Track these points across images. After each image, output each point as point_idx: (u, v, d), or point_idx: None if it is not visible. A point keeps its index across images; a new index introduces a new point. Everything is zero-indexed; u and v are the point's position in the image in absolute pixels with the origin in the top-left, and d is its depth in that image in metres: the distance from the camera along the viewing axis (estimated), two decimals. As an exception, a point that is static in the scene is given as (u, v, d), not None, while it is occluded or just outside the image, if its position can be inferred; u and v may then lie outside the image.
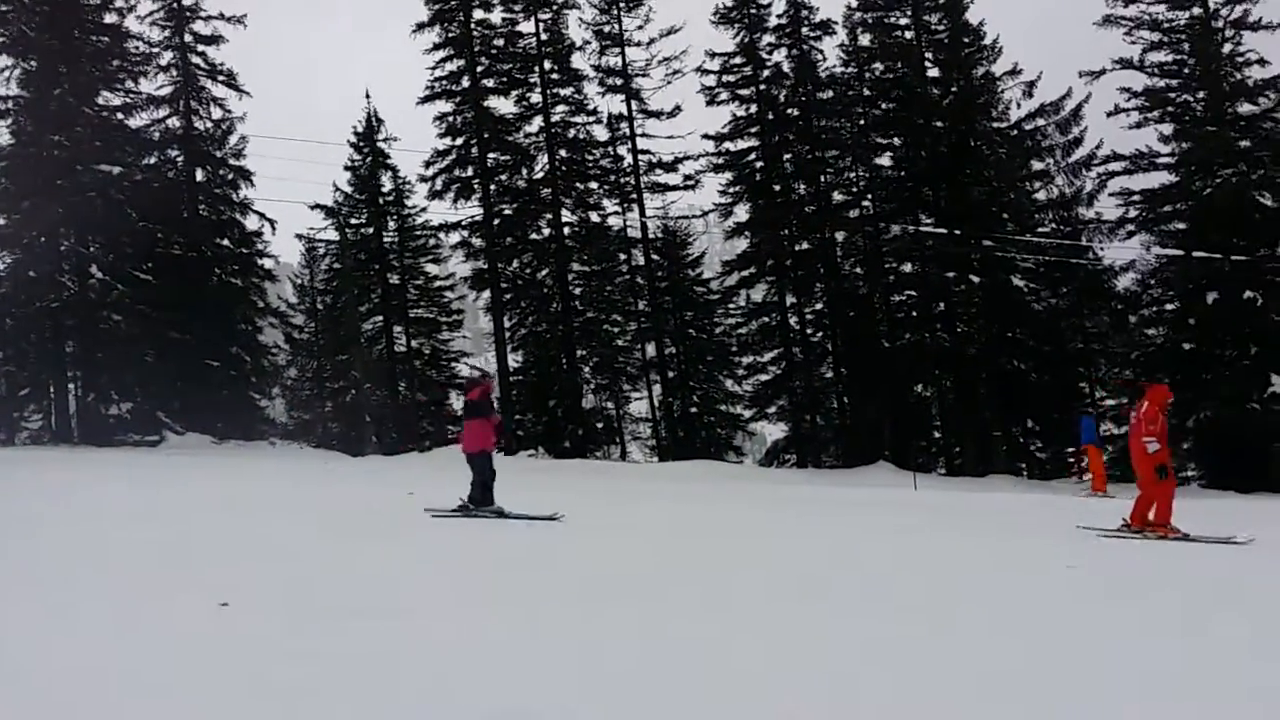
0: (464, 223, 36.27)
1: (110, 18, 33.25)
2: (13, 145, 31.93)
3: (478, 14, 36.30)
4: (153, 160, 34.00)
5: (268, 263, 35.45)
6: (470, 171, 36.27)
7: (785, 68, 37.45)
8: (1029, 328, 34.96)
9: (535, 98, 36.55)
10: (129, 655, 5.29)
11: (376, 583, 7.86)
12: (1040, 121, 35.58)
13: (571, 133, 36.82)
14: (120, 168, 32.45)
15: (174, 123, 34.33)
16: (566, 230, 36.49)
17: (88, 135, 31.82)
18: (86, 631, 5.84)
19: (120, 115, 33.34)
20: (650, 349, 36.69)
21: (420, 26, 36.21)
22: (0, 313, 31.06)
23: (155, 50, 34.10)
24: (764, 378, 37.09)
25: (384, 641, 5.69)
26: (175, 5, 34.43)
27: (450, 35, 36.26)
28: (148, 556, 8.79)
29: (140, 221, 32.24)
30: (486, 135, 36.05)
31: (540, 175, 36.52)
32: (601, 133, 37.10)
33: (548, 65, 36.65)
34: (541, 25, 36.52)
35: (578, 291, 36.48)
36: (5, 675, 4.89)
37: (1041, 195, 36.23)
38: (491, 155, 36.23)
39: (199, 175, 34.59)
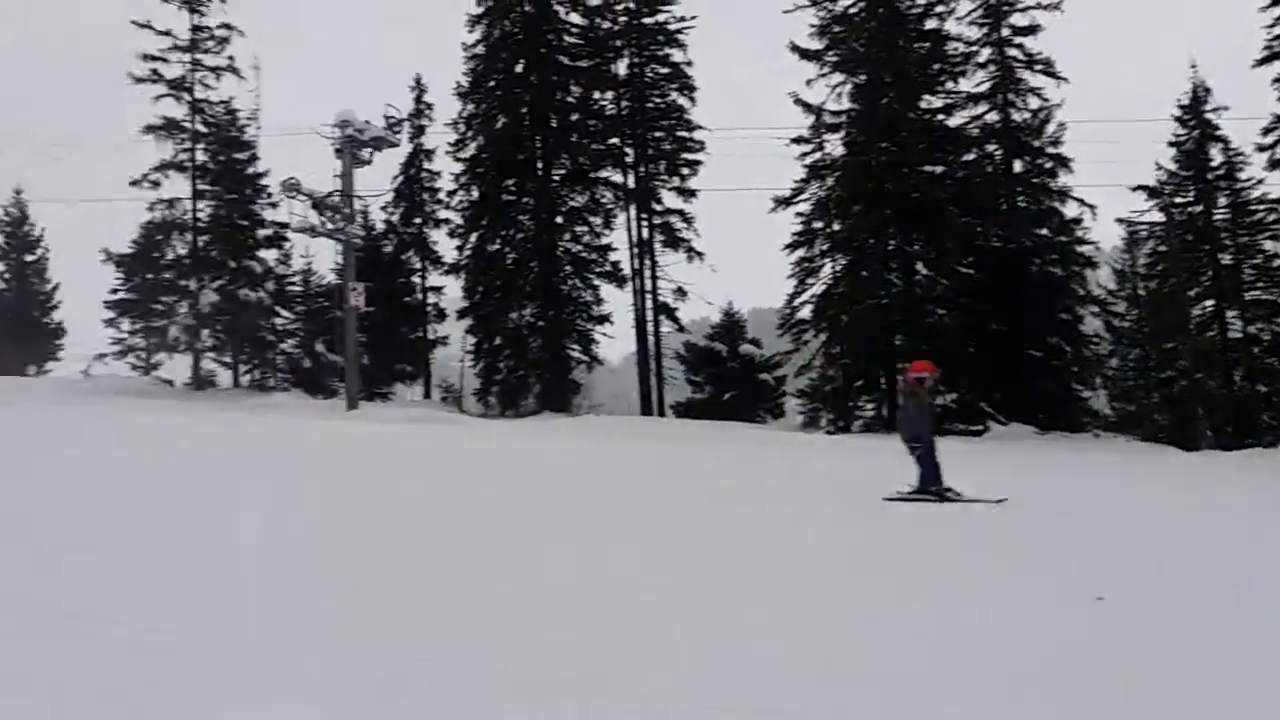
0: (1319, 193, 31.29)
1: (930, 23, 34.81)
2: (845, 156, 35.03)
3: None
4: (971, 156, 34.71)
5: (1087, 249, 34.15)
6: (1322, 132, 31.09)
7: None
8: None
9: None
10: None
11: None
12: None
13: None
14: (942, 167, 33.80)
15: (992, 117, 34.72)
16: None
17: (911, 139, 33.58)
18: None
19: (941, 116, 34.69)
20: None
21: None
22: (835, 310, 33.97)
23: (973, 49, 34.83)
24: None
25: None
26: (992, 1, 34.70)
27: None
28: None
29: (961, 217, 33.25)
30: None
31: None
32: None
33: None
34: None
35: None
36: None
37: None
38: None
39: (1016, 166, 34.52)
